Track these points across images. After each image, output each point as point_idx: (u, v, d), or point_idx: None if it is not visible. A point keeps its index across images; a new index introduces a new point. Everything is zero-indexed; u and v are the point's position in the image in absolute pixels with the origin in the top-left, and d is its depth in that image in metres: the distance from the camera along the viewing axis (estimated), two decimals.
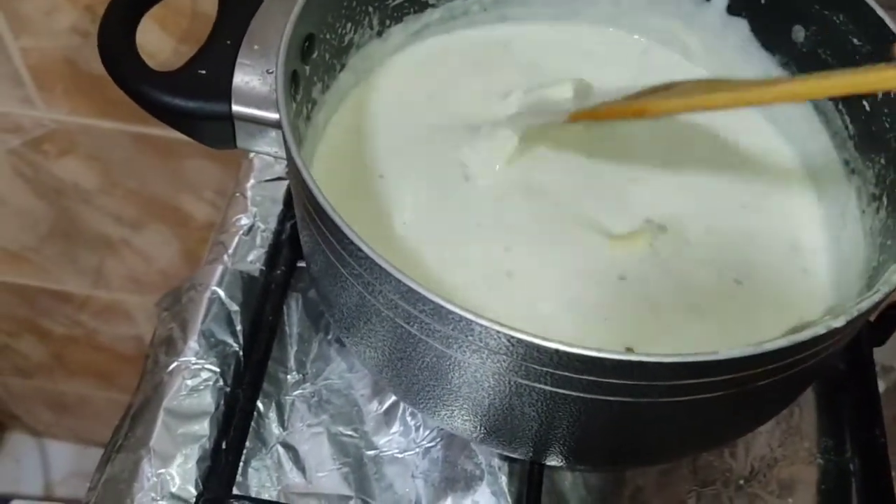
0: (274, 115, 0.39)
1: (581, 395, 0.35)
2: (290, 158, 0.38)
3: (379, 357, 0.41)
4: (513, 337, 0.32)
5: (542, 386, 0.35)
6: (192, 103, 0.40)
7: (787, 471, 0.52)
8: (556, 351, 0.32)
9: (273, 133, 0.42)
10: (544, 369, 0.34)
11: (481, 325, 0.33)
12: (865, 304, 0.34)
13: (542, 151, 0.49)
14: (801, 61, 0.51)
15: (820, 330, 0.33)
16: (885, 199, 0.45)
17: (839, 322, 0.34)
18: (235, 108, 0.40)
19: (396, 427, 0.51)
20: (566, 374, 0.33)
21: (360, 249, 0.34)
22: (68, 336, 1.27)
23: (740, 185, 0.51)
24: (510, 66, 0.53)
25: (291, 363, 0.53)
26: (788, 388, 0.40)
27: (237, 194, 0.58)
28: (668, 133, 0.51)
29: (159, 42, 0.74)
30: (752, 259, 0.48)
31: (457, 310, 0.33)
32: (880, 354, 0.56)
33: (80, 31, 0.76)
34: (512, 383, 0.35)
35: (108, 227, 1.04)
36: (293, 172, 0.38)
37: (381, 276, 0.34)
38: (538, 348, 0.32)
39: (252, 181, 0.58)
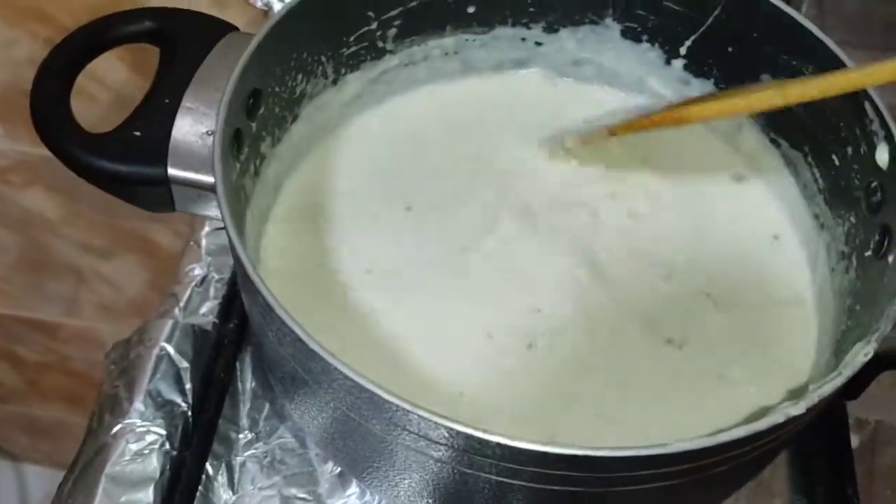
0: (211, 179, 0.37)
1: (529, 485, 0.33)
2: (226, 226, 0.36)
3: (321, 430, 0.39)
4: (452, 429, 0.31)
5: (487, 475, 0.33)
6: (124, 167, 0.38)
7: None
8: (498, 444, 0.30)
9: (213, 198, 0.40)
10: (488, 460, 0.32)
11: (419, 416, 0.31)
12: (827, 389, 0.33)
13: None
14: (771, 112, 0.49)
15: (778, 418, 0.32)
16: (853, 260, 0.44)
17: (798, 409, 0.32)
18: (172, 171, 0.38)
19: (352, 489, 0.49)
20: (511, 465, 0.32)
21: (291, 331, 0.32)
22: (42, 363, 1.26)
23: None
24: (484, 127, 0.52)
25: (244, 421, 0.51)
26: (750, 467, 0.39)
27: (191, 243, 0.56)
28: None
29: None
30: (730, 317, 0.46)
31: (393, 399, 0.31)
32: (854, 407, 0.55)
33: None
34: (456, 471, 0.34)
35: (76, 257, 1.02)
36: (230, 241, 0.36)
37: (317, 361, 0.32)
38: (479, 441, 0.31)
39: (207, 229, 0.56)
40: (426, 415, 0.31)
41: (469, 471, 0.33)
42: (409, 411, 0.31)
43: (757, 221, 0.50)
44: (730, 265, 0.49)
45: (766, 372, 0.44)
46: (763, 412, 0.38)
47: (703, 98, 0.47)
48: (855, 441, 0.54)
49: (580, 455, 0.30)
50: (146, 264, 1.01)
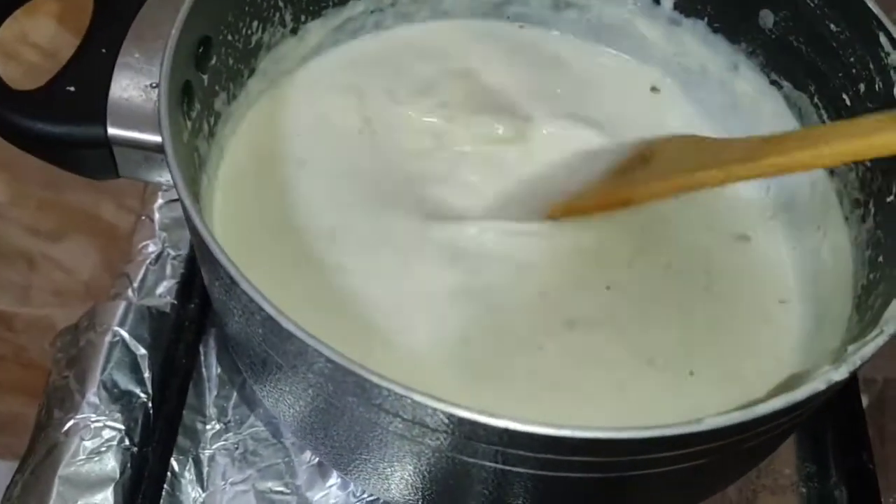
0: (158, 139, 0.32)
1: (537, 472, 0.29)
2: (179, 194, 0.31)
3: (298, 420, 0.35)
4: (453, 415, 0.26)
5: (491, 464, 0.29)
6: (57, 128, 0.33)
7: (768, 502, 0.47)
8: (506, 430, 0.26)
9: (163, 161, 0.35)
10: (493, 447, 0.28)
11: (414, 401, 0.27)
12: (869, 350, 0.29)
13: None
14: (770, 49, 0.46)
15: (819, 385, 0.28)
16: (871, 207, 0.40)
17: (841, 374, 0.29)
18: (112, 131, 0.33)
19: (333, 479, 0.45)
20: (519, 452, 0.28)
21: (261, 309, 0.28)
22: None
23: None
24: (452, 81, 0.47)
25: (210, 411, 0.47)
26: (779, 439, 0.35)
27: (143, 217, 0.51)
28: None
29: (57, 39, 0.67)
30: (719, 275, 0.43)
31: (384, 383, 0.27)
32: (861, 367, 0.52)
33: None
34: (457, 461, 0.30)
35: (25, 240, 0.97)
36: (184, 210, 0.31)
37: (292, 342, 0.28)
38: (484, 427, 0.26)
39: (160, 201, 0.52)
40: (422, 399, 0.26)
41: (471, 460, 0.29)
42: (402, 396, 0.27)
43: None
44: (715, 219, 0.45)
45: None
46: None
47: (647, 177, 0.41)
48: (864, 401, 0.51)
49: (603, 438, 0.26)
50: (99, 245, 0.96)
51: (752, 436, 0.29)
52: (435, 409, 0.27)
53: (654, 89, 0.50)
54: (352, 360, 0.27)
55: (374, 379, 0.27)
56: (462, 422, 0.27)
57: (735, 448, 0.30)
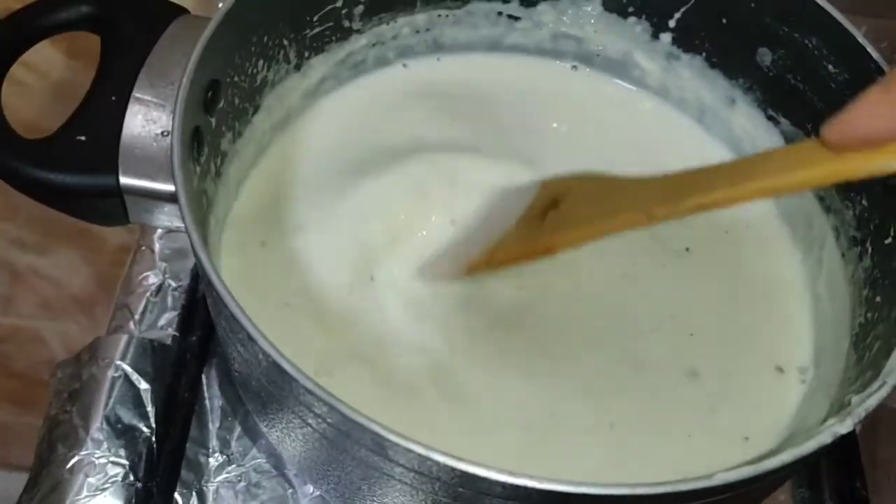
0: (171, 188, 0.32)
1: None
2: (193, 245, 0.31)
3: (301, 456, 0.35)
4: (456, 469, 0.27)
5: None
6: (70, 178, 0.33)
7: None
8: (516, 486, 0.27)
9: (172, 206, 0.35)
10: (496, 500, 0.28)
11: (414, 452, 0.27)
12: (873, 402, 0.30)
13: None
14: (767, 87, 0.46)
15: (825, 438, 0.29)
16: (868, 246, 0.41)
17: (846, 427, 0.29)
18: (124, 180, 0.33)
19: None
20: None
21: (268, 355, 0.28)
22: None
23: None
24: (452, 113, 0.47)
25: (213, 443, 0.47)
26: (780, 482, 0.36)
27: (143, 247, 0.51)
28: None
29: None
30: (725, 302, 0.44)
31: (385, 433, 0.27)
32: None
33: None
34: None
35: (11, 253, 0.96)
36: (195, 253, 0.31)
37: (305, 396, 0.28)
38: (482, 480, 0.27)
39: (159, 231, 0.51)
40: (424, 451, 0.27)
41: None
42: (410, 450, 0.27)
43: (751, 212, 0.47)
44: (717, 246, 0.46)
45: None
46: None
47: (560, 222, 0.39)
48: (857, 427, 0.51)
49: (617, 494, 0.27)
50: (88, 258, 0.96)
51: (758, 486, 0.30)
52: (442, 464, 0.27)
53: None
54: (367, 416, 0.27)
55: (377, 429, 0.27)
56: (466, 475, 0.27)
57: (740, 496, 0.30)
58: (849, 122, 0.29)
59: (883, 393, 0.30)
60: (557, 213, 0.38)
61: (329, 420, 0.29)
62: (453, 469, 0.27)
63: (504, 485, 0.27)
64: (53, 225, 0.91)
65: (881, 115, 0.28)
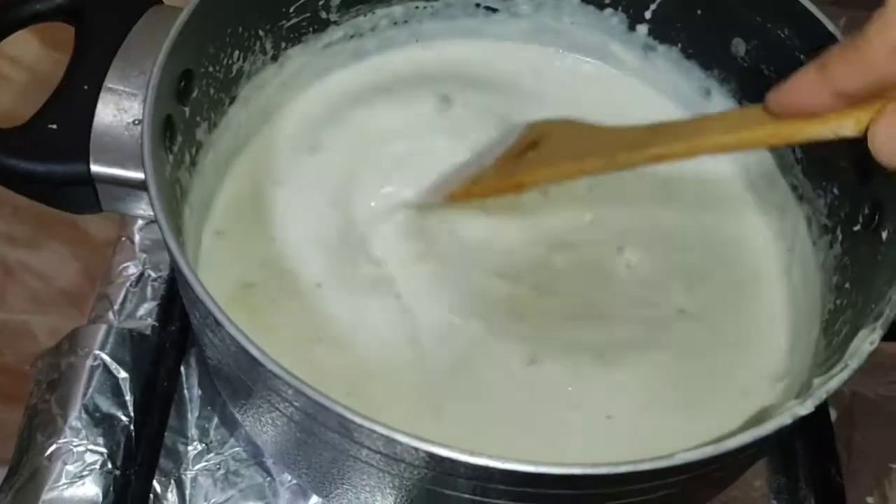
0: (141, 176, 0.32)
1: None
2: (162, 231, 0.32)
3: (278, 445, 0.36)
4: (434, 453, 0.27)
5: (470, 496, 0.30)
6: (41, 166, 0.33)
7: None
8: (485, 467, 0.27)
9: (144, 194, 0.35)
10: (472, 482, 0.29)
11: (395, 440, 0.27)
12: (834, 384, 0.30)
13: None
14: (742, 77, 0.47)
15: (785, 419, 0.29)
16: (839, 234, 0.41)
17: (806, 409, 0.30)
18: (95, 168, 0.34)
19: (314, 500, 0.46)
20: (496, 486, 0.29)
21: (245, 351, 0.28)
22: None
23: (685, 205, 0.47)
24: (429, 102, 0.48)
25: (192, 432, 0.47)
26: (748, 464, 0.36)
27: (123, 238, 0.51)
28: None
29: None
30: (702, 286, 0.44)
31: (357, 419, 0.27)
32: None
33: None
34: (437, 493, 0.30)
35: (1, 248, 0.96)
36: (166, 244, 0.32)
37: (275, 381, 0.29)
38: (464, 465, 0.27)
39: (140, 222, 0.52)
40: (404, 439, 0.27)
41: (451, 492, 0.30)
42: (384, 436, 0.27)
43: (724, 194, 0.48)
44: (696, 239, 0.46)
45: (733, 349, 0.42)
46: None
47: (534, 161, 0.42)
48: (832, 414, 0.52)
49: (578, 474, 0.27)
50: (76, 253, 0.96)
51: (720, 466, 0.30)
52: (417, 448, 0.27)
53: None
54: (335, 400, 0.28)
55: (358, 420, 0.27)
56: (442, 459, 0.27)
57: (705, 477, 0.31)
58: (787, 94, 0.32)
59: (844, 375, 0.31)
60: (535, 153, 0.41)
61: (296, 403, 0.30)
62: (416, 450, 0.27)
63: (466, 465, 0.27)
64: (42, 220, 0.91)
65: (814, 92, 0.31)
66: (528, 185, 0.41)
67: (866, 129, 0.31)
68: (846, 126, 0.31)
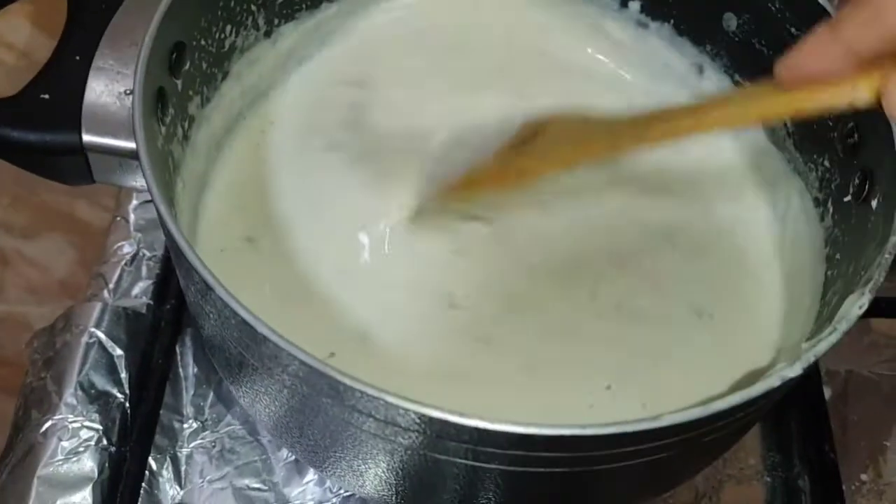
0: (132, 145, 0.32)
1: (506, 468, 0.30)
2: (154, 199, 0.32)
3: (274, 419, 0.36)
4: (424, 415, 0.27)
5: (462, 461, 0.30)
6: (33, 135, 0.33)
7: (733, 491, 0.49)
8: (476, 429, 0.27)
9: (136, 163, 0.35)
10: (463, 446, 0.29)
11: (386, 402, 0.27)
12: (822, 347, 0.30)
13: None
14: (734, 52, 0.47)
15: (774, 382, 0.29)
16: (829, 206, 0.42)
17: (795, 371, 0.30)
18: (87, 138, 0.34)
19: (310, 475, 0.46)
20: (489, 449, 0.29)
21: (235, 314, 0.28)
22: None
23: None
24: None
25: (187, 410, 0.47)
26: (739, 431, 0.37)
27: (118, 218, 0.51)
28: None
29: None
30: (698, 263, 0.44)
31: (357, 385, 0.27)
32: (824, 359, 0.53)
33: None
34: (429, 458, 0.31)
35: None
36: (158, 214, 0.32)
37: (267, 346, 0.29)
38: (455, 426, 0.27)
39: (135, 202, 0.52)
40: (394, 400, 0.27)
41: (442, 457, 0.30)
42: (374, 397, 0.27)
43: (721, 169, 0.48)
44: (694, 213, 0.46)
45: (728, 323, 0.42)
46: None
47: (533, 152, 0.41)
48: (827, 393, 0.52)
49: (567, 435, 0.27)
50: (74, 243, 0.96)
51: (710, 430, 0.31)
52: (407, 410, 0.27)
53: None
54: (326, 363, 0.28)
55: (348, 381, 0.27)
56: (433, 421, 0.28)
57: (695, 442, 0.31)
58: (798, 60, 0.31)
59: (833, 339, 0.31)
60: (532, 147, 0.40)
61: (289, 368, 0.30)
62: (406, 411, 0.27)
63: (457, 426, 0.28)
64: (39, 209, 0.91)
65: (827, 55, 0.30)
66: (528, 174, 0.41)
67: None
68: (860, 90, 0.30)
